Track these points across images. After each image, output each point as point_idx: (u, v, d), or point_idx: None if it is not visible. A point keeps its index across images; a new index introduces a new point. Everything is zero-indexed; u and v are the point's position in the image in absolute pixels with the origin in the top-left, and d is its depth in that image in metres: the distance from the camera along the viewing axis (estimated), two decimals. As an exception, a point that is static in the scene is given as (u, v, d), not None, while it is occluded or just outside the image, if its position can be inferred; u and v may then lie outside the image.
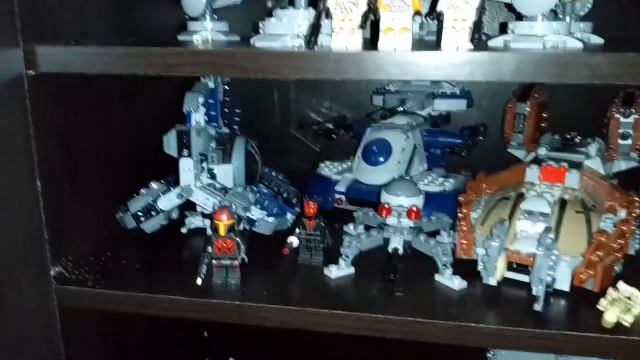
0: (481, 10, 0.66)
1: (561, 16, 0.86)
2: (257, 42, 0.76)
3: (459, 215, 0.82)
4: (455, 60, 0.61)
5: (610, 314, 0.65)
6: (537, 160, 0.92)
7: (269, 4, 1.14)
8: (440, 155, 1.09)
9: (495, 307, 0.72)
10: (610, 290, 0.69)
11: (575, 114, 1.11)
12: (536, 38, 0.69)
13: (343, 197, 1.03)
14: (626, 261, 0.80)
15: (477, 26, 0.65)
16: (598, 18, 0.86)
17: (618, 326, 0.66)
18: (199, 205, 0.89)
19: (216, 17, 0.97)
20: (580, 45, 0.69)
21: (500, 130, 1.07)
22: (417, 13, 0.66)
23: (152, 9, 1.02)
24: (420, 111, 1.10)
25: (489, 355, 1.08)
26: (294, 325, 0.73)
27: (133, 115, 0.97)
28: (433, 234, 0.88)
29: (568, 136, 1.01)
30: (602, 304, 0.67)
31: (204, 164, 0.88)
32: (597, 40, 0.84)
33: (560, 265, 0.72)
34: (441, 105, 1.11)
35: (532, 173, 0.88)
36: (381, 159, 1.02)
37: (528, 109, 1.03)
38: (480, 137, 1.07)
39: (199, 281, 0.75)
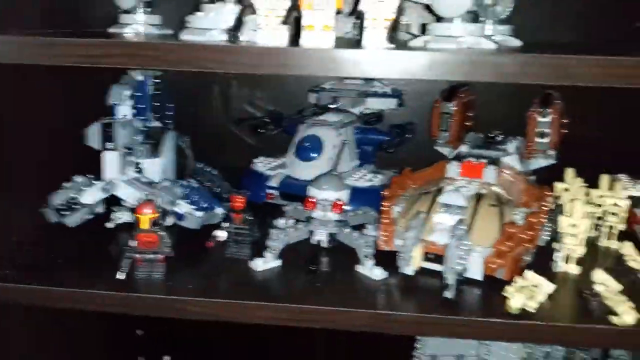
0: (399, 11, 0.69)
1: (483, 19, 0.91)
2: (184, 35, 0.76)
3: (382, 208, 0.85)
4: (371, 58, 0.64)
5: (515, 301, 0.69)
6: (459, 157, 0.97)
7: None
8: (372, 152, 1.12)
9: (412, 296, 0.75)
10: (517, 278, 0.73)
11: (500, 113, 1.16)
12: (452, 39, 0.73)
13: (276, 192, 1.05)
14: (536, 252, 0.85)
15: (395, 26, 0.68)
16: (526, 21, 0.90)
17: (523, 312, 0.70)
18: (125, 200, 0.89)
19: (149, 10, 0.97)
20: (493, 46, 0.73)
21: (429, 129, 1.12)
22: (338, 12, 0.68)
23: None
24: (353, 109, 1.13)
25: (416, 345, 1.12)
26: (218, 317, 0.74)
27: (59, 107, 0.95)
28: (361, 227, 0.92)
29: (491, 135, 1.07)
30: (509, 291, 0.72)
31: (131, 158, 0.88)
32: (516, 42, 0.89)
33: (472, 256, 0.76)
34: (373, 104, 1.14)
35: (453, 169, 0.92)
36: (313, 154, 1.04)
37: (453, 109, 1.07)
38: (409, 135, 1.11)
39: (121, 275, 0.75)
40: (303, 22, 0.68)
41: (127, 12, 0.95)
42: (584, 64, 0.58)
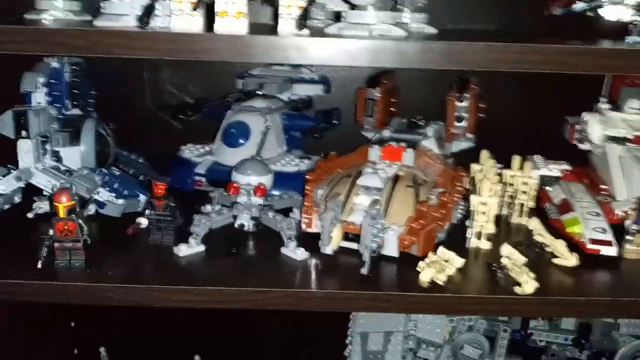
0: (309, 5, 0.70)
1: (400, 7, 0.94)
2: (98, 22, 0.75)
3: (305, 192, 0.88)
4: (281, 44, 0.65)
5: (425, 274, 0.73)
6: (381, 141, 1.00)
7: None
8: (299, 138, 1.14)
9: (331, 274, 0.78)
10: (429, 254, 0.77)
11: (423, 99, 1.20)
12: (365, 26, 0.75)
13: (203, 179, 1.05)
14: (453, 229, 0.90)
15: (304, 14, 0.69)
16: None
17: (434, 285, 0.74)
18: (45, 189, 0.87)
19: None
20: (402, 33, 0.75)
21: (354, 115, 1.15)
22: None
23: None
24: (280, 95, 1.15)
25: (349, 324, 1.16)
26: (140, 303, 0.74)
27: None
28: (287, 211, 0.94)
29: (413, 120, 1.11)
30: (420, 265, 0.75)
31: (47, 146, 0.86)
32: (431, 30, 0.92)
33: (388, 234, 0.79)
34: (300, 90, 1.16)
35: (374, 152, 0.96)
36: (240, 140, 1.05)
37: (378, 95, 1.10)
38: (335, 121, 1.13)
39: (39, 264, 0.74)
40: (216, 8, 0.69)
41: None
42: (474, 50, 0.61)
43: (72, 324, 1.28)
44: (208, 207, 0.95)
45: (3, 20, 0.69)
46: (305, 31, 0.69)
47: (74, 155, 0.90)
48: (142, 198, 0.91)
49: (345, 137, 1.15)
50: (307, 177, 0.91)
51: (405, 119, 1.12)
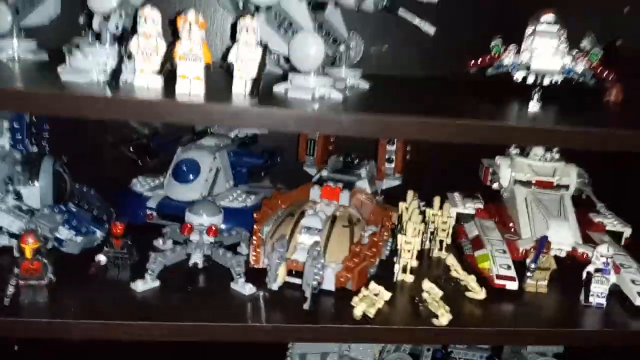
0: (261, 67, 0.80)
1: (339, 63, 1.06)
2: (64, 75, 0.82)
3: (253, 230, 0.97)
4: (232, 112, 0.74)
5: (358, 308, 0.85)
6: (320, 181, 1.11)
7: (81, 20, 1.19)
8: (245, 173, 1.23)
9: (277, 307, 0.87)
10: (362, 289, 0.89)
11: (358, 139, 1.32)
12: (308, 89, 0.85)
13: (154, 213, 1.12)
14: (381, 263, 1.02)
15: (257, 81, 0.79)
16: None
17: (365, 317, 0.85)
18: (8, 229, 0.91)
19: (23, 34, 1.00)
20: (339, 97, 0.86)
21: (296, 152, 1.25)
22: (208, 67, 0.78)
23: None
24: (228, 133, 1.23)
25: (288, 345, 1.25)
26: (100, 337, 0.81)
27: None
28: (235, 245, 1.03)
29: (349, 159, 1.23)
30: (354, 300, 0.87)
31: (9, 187, 0.91)
32: (365, 85, 1.04)
33: (326, 271, 0.90)
34: (246, 128, 1.25)
35: (315, 192, 1.06)
36: (190, 176, 1.13)
37: (317, 135, 1.21)
38: (278, 159, 1.23)
39: (6, 302, 0.80)
40: (177, 71, 0.77)
41: (1, 36, 0.98)
42: (402, 123, 0.73)
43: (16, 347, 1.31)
44: (160, 242, 1.03)
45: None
46: (253, 97, 0.78)
47: (32, 193, 0.95)
48: (99, 234, 0.97)
49: (287, 172, 1.25)
50: (254, 216, 1.00)
51: (341, 157, 1.23)
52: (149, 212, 1.12)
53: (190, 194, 1.11)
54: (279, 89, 0.87)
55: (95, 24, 0.84)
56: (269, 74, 0.93)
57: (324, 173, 1.16)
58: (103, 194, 1.14)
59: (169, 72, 0.78)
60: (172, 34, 0.78)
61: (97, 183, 1.14)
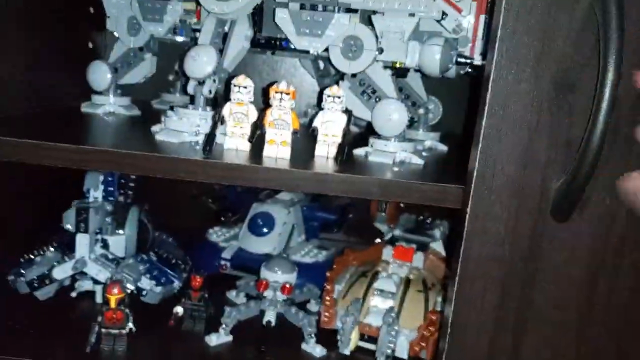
0: (346, 133, 0.82)
1: (416, 123, 1.06)
2: (159, 135, 0.86)
3: (325, 289, 0.97)
4: (316, 179, 0.76)
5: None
6: (392, 240, 1.11)
7: (171, 77, 1.26)
8: (317, 227, 1.25)
9: (348, 373, 0.86)
10: None
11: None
12: (389, 154, 0.86)
13: (228, 264, 1.14)
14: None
15: (342, 146, 0.81)
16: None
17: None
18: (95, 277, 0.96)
19: (119, 91, 1.07)
20: (421, 162, 0.86)
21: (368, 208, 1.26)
22: (295, 132, 0.80)
23: (58, 76, 1.09)
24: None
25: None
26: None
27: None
28: (305, 302, 1.03)
29: (421, 217, 1.22)
30: (428, 372, 0.84)
31: (98, 236, 0.96)
32: (443, 147, 1.04)
33: (400, 338, 0.88)
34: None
35: (388, 252, 1.06)
36: (265, 230, 1.15)
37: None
38: (350, 214, 1.24)
39: (88, 349, 0.83)
40: (266, 137, 0.80)
41: (99, 92, 1.05)
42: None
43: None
44: (233, 294, 1.05)
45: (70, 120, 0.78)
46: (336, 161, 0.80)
47: (118, 243, 1.00)
48: (176, 284, 1.00)
49: (359, 228, 1.26)
50: (327, 274, 1.00)
51: (414, 215, 1.22)
52: (223, 262, 1.14)
53: (264, 247, 1.13)
54: (358, 152, 0.89)
55: (190, 88, 0.89)
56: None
57: (397, 232, 1.16)
58: (179, 240, 1.17)
59: (258, 136, 0.81)
60: (263, 101, 0.82)
61: (176, 232, 1.18)
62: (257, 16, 0.95)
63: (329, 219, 1.22)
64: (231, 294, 1.05)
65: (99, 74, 1.05)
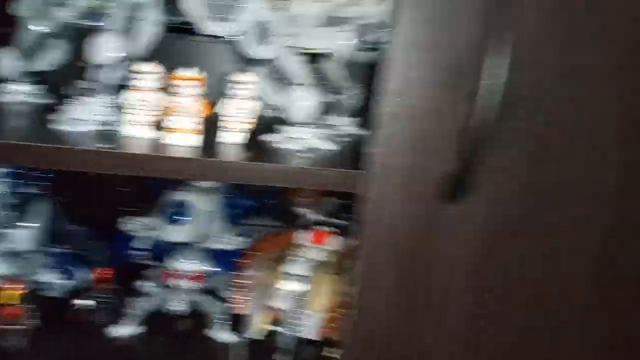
0: (255, 119, 0.82)
1: (336, 109, 1.07)
2: (59, 124, 0.83)
3: (237, 274, 0.97)
4: (221, 167, 0.75)
5: (339, 361, 0.84)
6: (310, 224, 1.12)
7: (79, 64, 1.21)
8: (237, 214, 1.24)
9: (256, 357, 0.87)
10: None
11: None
12: (300, 140, 0.87)
13: (144, 253, 1.12)
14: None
15: (249, 134, 0.80)
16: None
17: None
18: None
19: (29, 79, 1.02)
20: (331, 148, 0.87)
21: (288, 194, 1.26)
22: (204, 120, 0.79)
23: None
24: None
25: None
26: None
27: None
28: (219, 290, 1.03)
29: (342, 200, 1.23)
30: (337, 351, 0.86)
31: (2, 230, 0.92)
32: (362, 133, 1.05)
33: (310, 320, 0.89)
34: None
35: (304, 236, 1.06)
36: (181, 218, 1.13)
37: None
38: (272, 200, 1.24)
39: (-15, 345, 0.80)
40: (171, 125, 0.79)
41: (8, 80, 1.00)
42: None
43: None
44: (146, 285, 1.03)
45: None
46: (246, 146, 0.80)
47: (22, 236, 0.95)
48: (85, 276, 0.97)
49: (281, 214, 1.26)
50: (239, 261, 1.00)
51: (335, 199, 1.24)
52: (139, 252, 1.12)
53: (181, 236, 1.11)
54: (270, 139, 0.89)
55: (95, 73, 0.86)
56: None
57: (315, 216, 1.16)
58: (92, 231, 1.14)
59: (163, 125, 0.79)
60: (170, 89, 0.80)
61: (89, 222, 1.14)
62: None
63: (249, 205, 1.22)
64: (144, 285, 1.03)
65: (7, 61, 0.99)
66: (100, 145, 0.73)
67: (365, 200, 0.71)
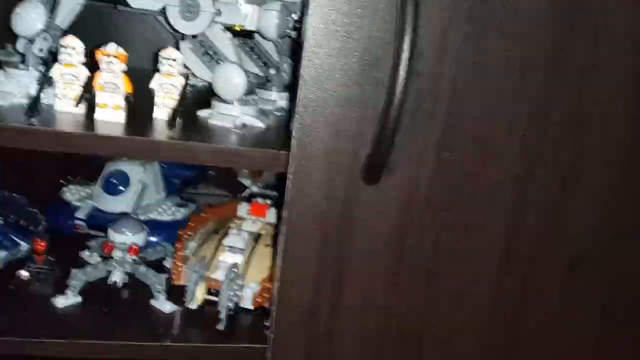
0: (182, 96, 0.83)
1: (269, 83, 1.08)
2: (-14, 99, 0.82)
3: (176, 247, 1.00)
4: (147, 145, 0.77)
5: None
6: (251, 195, 1.15)
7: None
8: (178, 184, 1.26)
9: (194, 326, 0.91)
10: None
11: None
12: (230, 117, 0.88)
13: (83, 224, 1.13)
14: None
15: (175, 111, 0.82)
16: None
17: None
18: None
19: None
20: (262, 125, 0.89)
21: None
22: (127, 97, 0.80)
23: None
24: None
25: None
26: (17, 353, 0.83)
27: None
28: (161, 260, 1.06)
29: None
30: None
31: None
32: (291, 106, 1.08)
33: (245, 291, 0.94)
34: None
35: (243, 208, 1.10)
36: (120, 188, 1.15)
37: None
38: (211, 172, 1.26)
39: None
40: (97, 101, 0.79)
41: None
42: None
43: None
44: (86, 254, 1.05)
45: None
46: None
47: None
48: (24, 246, 0.98)
49: (223, 184, 1.29)
50: (178, 232, 1.03)
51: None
52: (77, 222, 1.13)
53: (120, 206, 1.13)
54: (202, 115, 0.90)
55: (20, 45, 0.85)
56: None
57: (255, 188, 1.20)
58: (32, 199, 1.14)
59: (91, 100, 0.79)
60: (93, 64, 0.80)
61: (29, 190, 1.14)
62: (95, -32, 0.91)
63: (189, 175, 1.23)
64: (84, 255, 1.04)
65: None
66: (30, 122, 0.74)
67: (290, 179, 0.74)
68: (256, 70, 1.06)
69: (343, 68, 0.70)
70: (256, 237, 1.03)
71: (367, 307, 0.80)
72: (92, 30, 1.02)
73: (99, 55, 0.78)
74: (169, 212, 1.17)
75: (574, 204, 0.84)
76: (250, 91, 0.93)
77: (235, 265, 0.94)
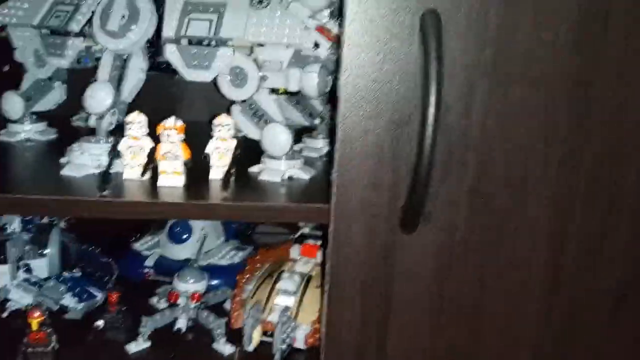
0: (235, 157, 0.91)
1: (315, 132, 1.16)
2: (63, 170, 0.94)
3: (234, 292, 1.08)
4: (205, 208, 0.85)
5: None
6: (301, 238, 1.21)
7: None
8: (236, 228, 1.34)
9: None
10: (330, 349, 0.99)
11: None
12: (279, 171, 0.96)
13: (152, 270, 1.24)
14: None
15: (229, 173, 0.90)
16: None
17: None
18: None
19: (35, 117, 1.13)
20: (306, 177, 0.96)
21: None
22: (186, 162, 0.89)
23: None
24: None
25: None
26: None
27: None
28: (221, 303, 1.14)
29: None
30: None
31: (21, 262, 1.04)
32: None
33: (298, 332, 1.00)
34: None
35: (295, 250, 1.17)
36: (184, 237, 1.24)
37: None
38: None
39: (17, 368, 0.92)
40: (159, 168, 0.89)
41: (14, 121, 1.11)
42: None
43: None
44: (154, 300, 1.14)
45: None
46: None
47: (40, 265, 1.07)
48: (99, 297, 1.09)
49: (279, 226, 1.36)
50: (237, 278, 1.11)
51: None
52: (147, 270, 1.24)
53: (184, 253, 1.22)
54: (253, 170, 0.98)
55: (91, 121, 0.97)
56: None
57: (306, 230, 1.26)
58: (104, 249, 1.24)
59: (154, 168, 0.89)
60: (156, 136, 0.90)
61: (102, 242, 1.25)
62: (155, 41, 1.01)
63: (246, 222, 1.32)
64: (153, 301, 1.14)
65: (12, 104, 1.10)
66: (102, 195, 0.84)
67: (331, 230, 0.80)
68: (302, 121, 1.14)
69: (376, 128, 0.76)
70: (308, 278, 1.10)
71: (412, 349, 0.84)
72: (154, 97, 1.13)
73: (160, 129, 0.87)
74: (227, 257, 1.25)
75: (615, 236, 0.85)
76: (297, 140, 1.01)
77: (287, 309, 1.00)
